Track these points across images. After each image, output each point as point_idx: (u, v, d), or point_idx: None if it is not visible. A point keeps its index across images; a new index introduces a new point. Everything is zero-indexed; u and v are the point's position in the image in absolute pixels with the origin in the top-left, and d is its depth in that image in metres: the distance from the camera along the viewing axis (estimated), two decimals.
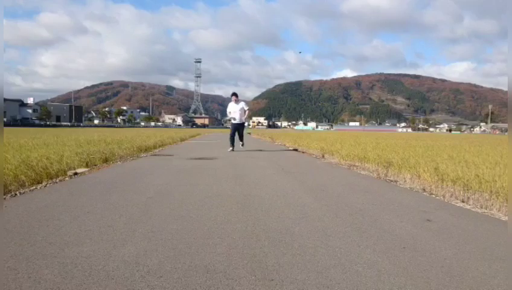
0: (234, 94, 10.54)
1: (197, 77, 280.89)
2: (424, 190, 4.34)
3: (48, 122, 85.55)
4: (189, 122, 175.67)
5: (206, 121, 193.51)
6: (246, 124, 11.18)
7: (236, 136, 10.53)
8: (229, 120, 10.90)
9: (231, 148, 10.17)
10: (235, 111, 10.34)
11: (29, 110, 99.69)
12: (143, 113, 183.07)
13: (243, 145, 11.00)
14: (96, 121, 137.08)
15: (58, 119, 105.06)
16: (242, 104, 10.51)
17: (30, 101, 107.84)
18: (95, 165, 6.18)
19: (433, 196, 3.99)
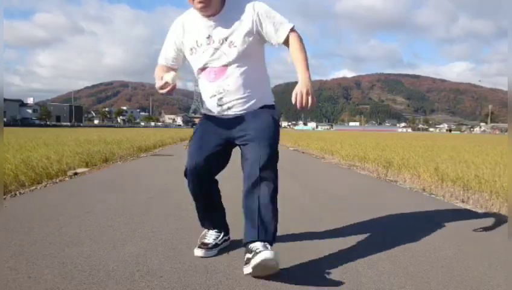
0: None
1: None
2: (424, 189, 4.34)
3: (48, 123, 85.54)
4: (189, 122, 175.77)
5: None
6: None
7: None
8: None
9: (205, 238, 2.01)
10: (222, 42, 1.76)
11: (29, 110, 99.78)
12: (143, 113, 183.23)
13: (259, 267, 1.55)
14: (96, 121, 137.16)
15: (58, 119, 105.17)
16: (252, 8, 1.74)
17: (30, 101, 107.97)
18: (95, 165, 6.18)
19: (433, 196, 3.99)
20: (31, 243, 2.09)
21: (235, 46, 1.74)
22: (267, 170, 1.69)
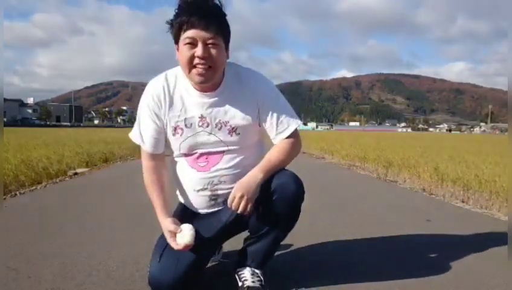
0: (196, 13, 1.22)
1: None
2: (424, 189, 4.34)
3: (48, 122, 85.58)
4: None
5: None
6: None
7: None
8: None
9: None
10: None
11: (29, 110, 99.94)
12: None
13: None
14: (96, 121, 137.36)
15: (58, 119, 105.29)
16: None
17: (30, 101, 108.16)
18: (95, 165, 6.18)
19: (433, 196, 3.99)
20: (31, 243, 2.09)
21: (238, 134, 1.41)
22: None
